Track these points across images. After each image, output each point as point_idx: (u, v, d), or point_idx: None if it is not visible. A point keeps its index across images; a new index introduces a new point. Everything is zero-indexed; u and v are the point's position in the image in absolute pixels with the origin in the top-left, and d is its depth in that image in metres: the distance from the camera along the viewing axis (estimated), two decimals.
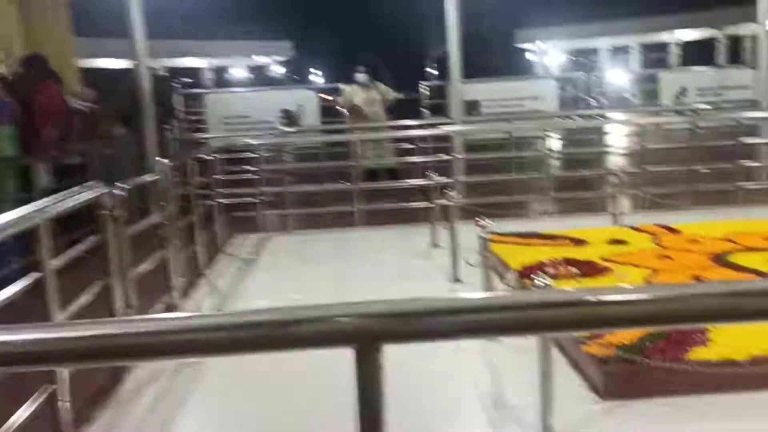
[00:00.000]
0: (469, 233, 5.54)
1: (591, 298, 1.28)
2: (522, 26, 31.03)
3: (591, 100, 10.90)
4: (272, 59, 33.68)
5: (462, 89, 8.22)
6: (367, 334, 1.23)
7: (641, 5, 27.06)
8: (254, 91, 12.74)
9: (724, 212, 6.95)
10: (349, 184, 8.44)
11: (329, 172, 9.12)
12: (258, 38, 30.54)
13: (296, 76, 36.08)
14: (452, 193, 5.00)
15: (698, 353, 3.12)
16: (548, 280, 2.66)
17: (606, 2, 27.71)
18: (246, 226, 7.62)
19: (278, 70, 34.62)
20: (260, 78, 31.34)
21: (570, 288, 1.39)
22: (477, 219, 3.78)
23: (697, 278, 4.15)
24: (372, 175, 9.25)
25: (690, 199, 7.77)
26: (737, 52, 25.83)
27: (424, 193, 8.92)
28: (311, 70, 42.88)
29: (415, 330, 1.26)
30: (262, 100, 11.48)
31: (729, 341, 3.16)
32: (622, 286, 1.30)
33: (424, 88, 11.23)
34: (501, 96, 10.10)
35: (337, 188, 8.79)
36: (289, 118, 10.81)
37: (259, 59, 33.20)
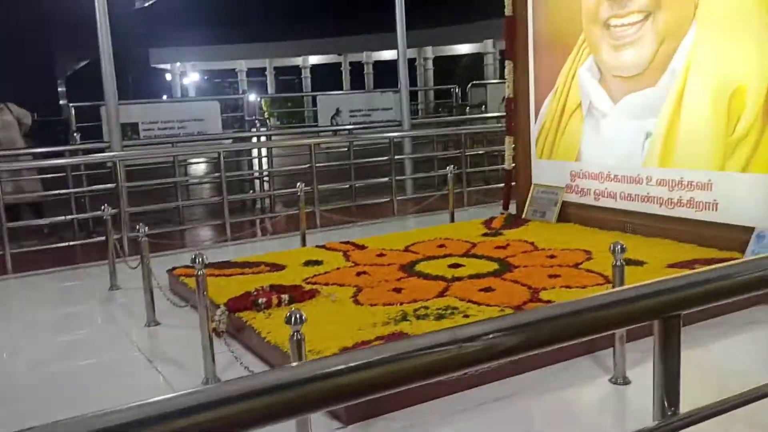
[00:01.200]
0: (152, 270, 5.06)
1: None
2: (157, 46, 29.94)
3: (256, 121, 11.02)
4: None
5: (118, 111, 7.50)
6: (669, 306, 1.34)
7: (276, 30, 28.38)
8: None
9: (388, 224, 7.59)
10: None
11: None
12: None
13: None
14: (144, 227, 4.46)
15: None
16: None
17: (242, 25, 28.38)
18: None
19: None
20: None
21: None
22: (198, 253, 3.39)
23: (397, 289, 4.37)
24: (12, 211, 7.91)
25: (357, 213, 8.32)
26: (362, 77, 28.76)
27: (83, 227, 7.97)
28: None
29: (709, 295, 1.41)
30: None
31: None
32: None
33: (72, 109, 10.00)
34: (162, 118, 9.56)
35: None
36: None
37: None
